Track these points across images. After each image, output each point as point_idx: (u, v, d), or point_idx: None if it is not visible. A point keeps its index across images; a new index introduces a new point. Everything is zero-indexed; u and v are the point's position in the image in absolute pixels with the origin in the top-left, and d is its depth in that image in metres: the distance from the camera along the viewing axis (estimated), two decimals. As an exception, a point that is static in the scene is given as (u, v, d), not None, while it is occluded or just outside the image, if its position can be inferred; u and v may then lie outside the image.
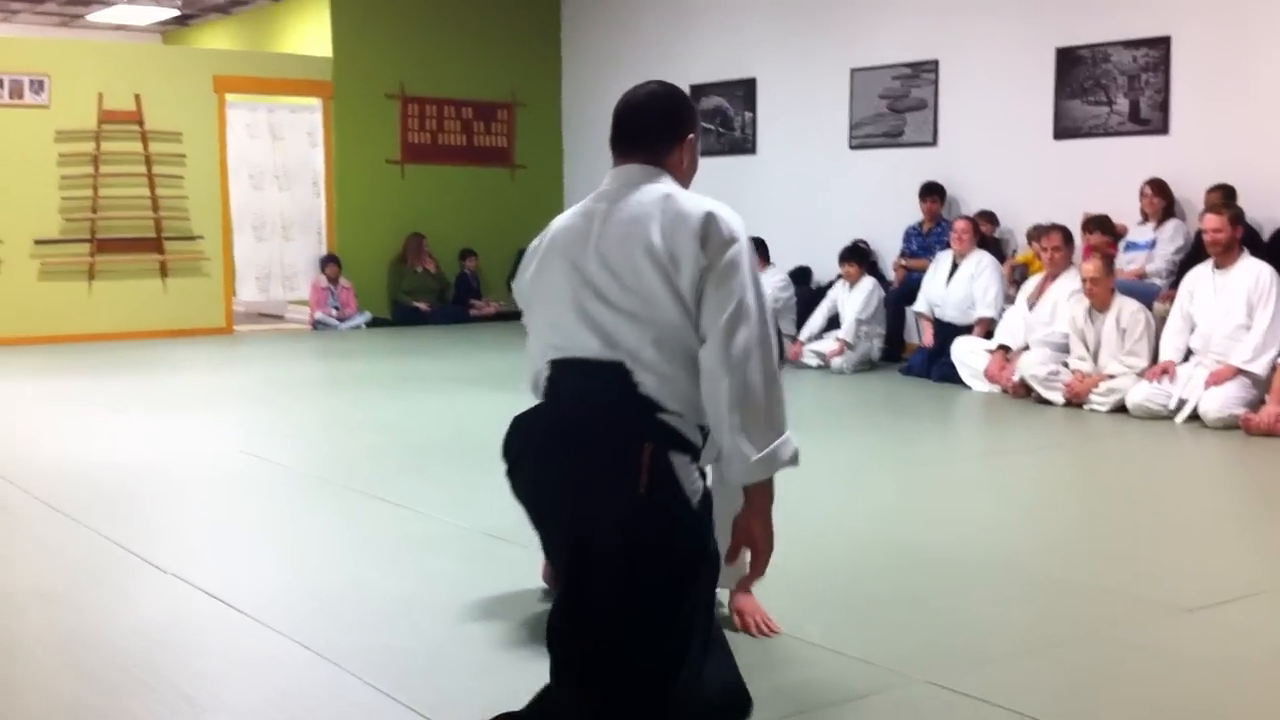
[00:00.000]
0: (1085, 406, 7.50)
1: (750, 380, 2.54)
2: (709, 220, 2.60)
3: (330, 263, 12.67)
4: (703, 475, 2.62)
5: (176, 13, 15.29)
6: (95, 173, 11.51)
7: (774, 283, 9.87)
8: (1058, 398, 7.64)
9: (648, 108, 2.81)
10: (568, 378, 2.66)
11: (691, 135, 2.83)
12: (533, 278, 2.78)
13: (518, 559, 4.16)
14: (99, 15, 15.49)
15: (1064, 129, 9.39)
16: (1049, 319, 8.04)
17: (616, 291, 2.60)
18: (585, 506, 2.55)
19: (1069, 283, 8.00)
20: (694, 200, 2.65)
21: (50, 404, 7.90)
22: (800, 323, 9.84)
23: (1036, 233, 8.73)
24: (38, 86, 11.31)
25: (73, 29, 15.86)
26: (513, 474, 2.76)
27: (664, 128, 2.79)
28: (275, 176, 13.20)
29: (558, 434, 2.63)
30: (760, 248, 9.70)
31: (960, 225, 9.04)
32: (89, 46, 12.46)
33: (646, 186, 2.70)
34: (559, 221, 2.79)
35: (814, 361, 9.45)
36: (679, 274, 2.57)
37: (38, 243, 11.30)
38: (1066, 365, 7.76)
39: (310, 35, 13.26)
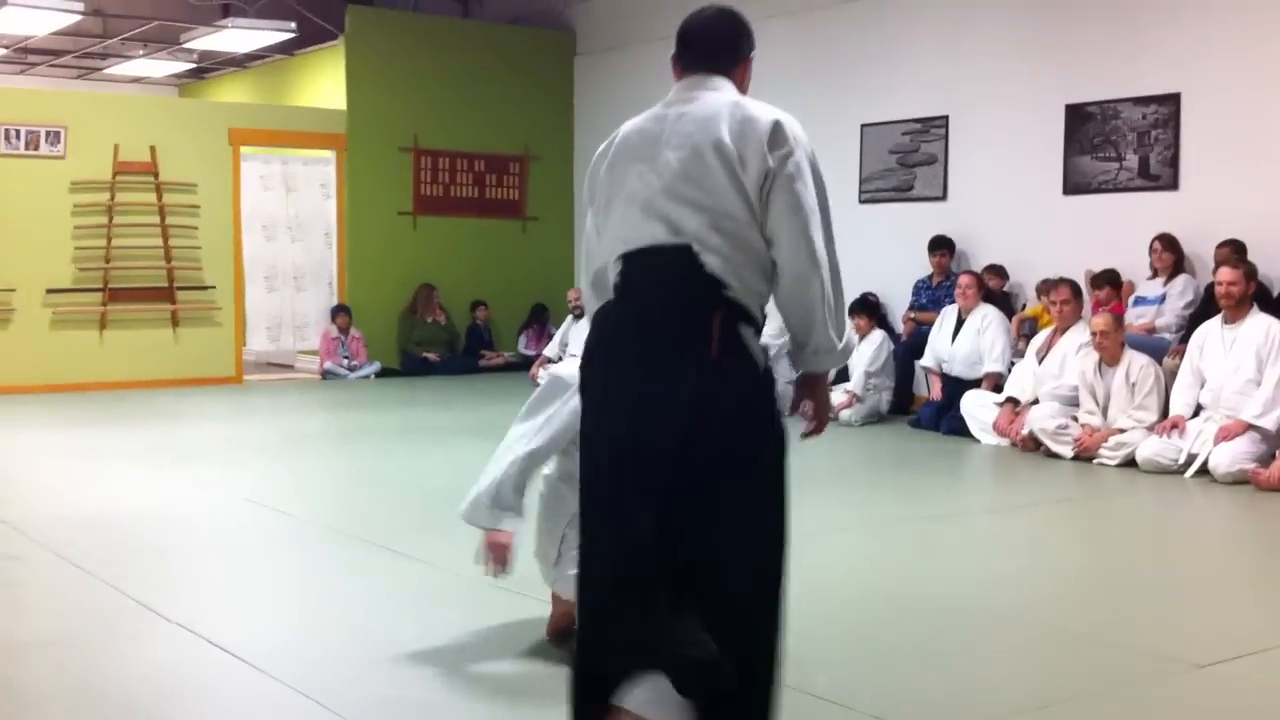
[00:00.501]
0: (1095, 460, 7.48)
1: (830, 280, 2.73)
2: (777, 126, 2.72)
3: (341, 313, 12.72)
4: (766, 352, 2.77)
5: (193, 66, 15.46)
6: (109, 223, 11.58)
7: (769, 331, 9.86)
8: (1067, 451, 7.62)
9: (716, 22, 2.96)
10: (637, 267, 2.75)
11: (751, 55, 2.97)
12: (604, 178, 2.86)
13: (522, 610, 4.15)
14: (117, 68, 15.67)
15: (1074, 184, 9.42)
16: (1058, 372, 8.04)
17: (684, 185, 2.70)
18: (657, 382, 2.63)
19: (1078, 336, 8.01)
20: (763, 107, 2.77)
21: (61, 453, 7.91)
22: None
23: (1046, 287, 8.74)
24: (54, 138, 11.42)
25: (90, 81, 16.03)
26: (585, 369, 2.82)
27: (731, 42, 2.93)
28: (288, 228, 13.29)
29: (629, 317, 2.73)
30: (868, 307, 9.77)
31: (964, 280, 9.06)
32: (106, 99, 12.59)
33: (715, 93, 2.82)
34: (629, 126, 2.90)
35: (823, 414, 9.43)
36: (745, 172, 2.68)
37: (50, 292, 11.36)
38: (1076, 419, 7.74)
39: (325, 89, 13.39)
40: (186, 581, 4.73)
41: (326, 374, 12.59)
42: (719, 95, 2.80)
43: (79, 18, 12.17)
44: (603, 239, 2.85)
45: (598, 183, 2.88)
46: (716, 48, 2.91)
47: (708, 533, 2.62)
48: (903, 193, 10.64)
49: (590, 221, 2.93)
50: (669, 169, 2.71)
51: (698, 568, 2.63)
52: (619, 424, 2.70)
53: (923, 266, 10.14)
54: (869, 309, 9.70)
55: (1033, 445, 7.87)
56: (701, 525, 2.62)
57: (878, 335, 9.53)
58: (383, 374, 12.64)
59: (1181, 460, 7.09)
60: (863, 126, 10.90)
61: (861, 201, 10.97)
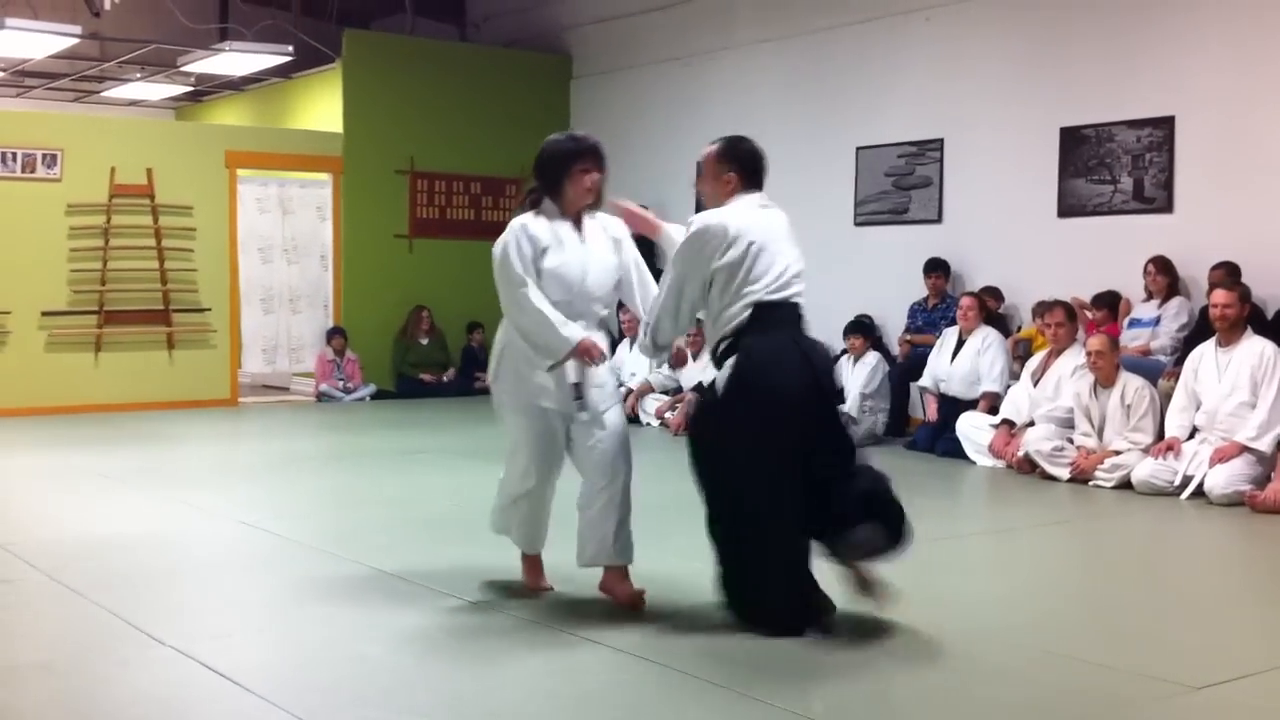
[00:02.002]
0: (1090, 483, 7.48)
1: None
2: None
3: (336, 335, 12.72)
4: None
5: (190, 89, 15.49)
6: (105, 245, 11.59)
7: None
8: (1062, 473, 7.63)
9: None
10: (798, 313, 4.50)
11: None
12: (756, 251, 4.39)
13: (515, 632, 4.14)
14: (114, 91, 15.69)
15: (1068, 207, 9.45)
16: (1053, 394, 8.04)
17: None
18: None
19: (1073, 359, 8.01)
20: None
21: (55, 476, 7.90)
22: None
23: (1041, 309, 8.76)
24: (50, 160, 11.43)
25: (87, 104, 16.05)
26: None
27: None
28: (284, 250, 13.29)
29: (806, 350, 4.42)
30: (863, 329, 9.85)
31: (966, 302, 9.07)
32: (103, 122, 12.62)
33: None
34: (751, 215, 4.52)
35: (819, 436, 9.43)
36: None
37: (45, 314, 11.35)
38: (1071, 441, 7.75)
39: (321, 112, 13.42)
40: (181, 605, 4.72)
41: (322, 396, 12.58)
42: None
43: (76, 41, 12.20)
44: (752, 288, 4.35)
45: (737, 255, 4.37)
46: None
47: None
48: (898, 215, 10.67)
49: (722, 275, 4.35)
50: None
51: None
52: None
53: (918, 289, 10.16)
54: (864, 330, 9.71)
55: (1028, 467, 7.87)
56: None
57: (872, 357, 9.54)
58: (378, 396, 12.64)
59: (1177, 482, 7.09)
60: (857, 149, 10.94)
61: (857, 224, 10.99)
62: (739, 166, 4.49)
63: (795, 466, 4.14)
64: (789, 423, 4.17)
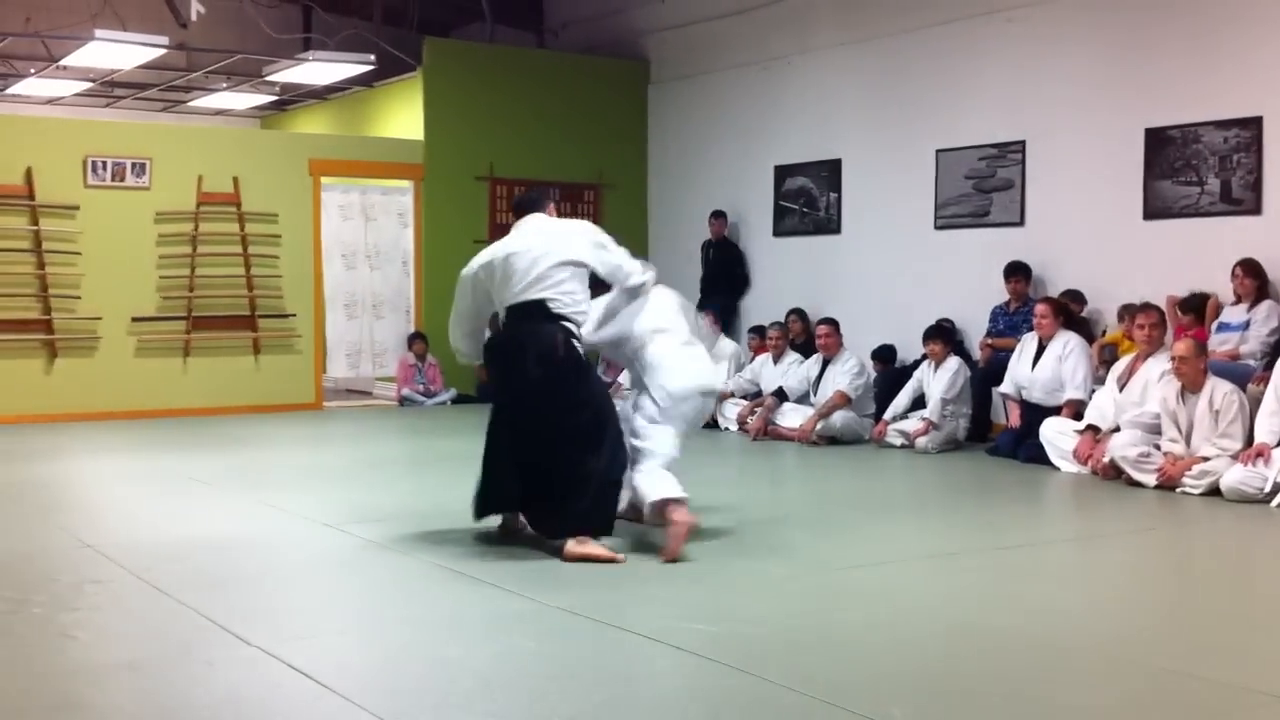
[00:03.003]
0: (1178, 489, 7.35)
1: None
2: None
3: (417, 340, 12.85)
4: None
5: (274, 98, 15.74)
6: (193, 252, 11.81)
7: (847, 369, 9.83)
8: (1149, 480, 7.50)
9: None
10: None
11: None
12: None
13: (595, 635, 4.16)
14: (200, 101, 16.00)
15: (1154, 209, 9.30)
16: (1140, 400, 7.91)
17: None
18: None
19: (1160, 363, 7.87)
20: None
21: (145, 479, 8.06)
22: (884, 402, 9.77)
23: (1128, 312, 8.63)
24: (140, 169, 11.67)
25: (175, 114, 16.37)
26: None
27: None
28: (367, 256, 13.48)
29: None
30: (943, 334, 9.73)
31: (1041, 309, 8.92)
32: (190, 131, 12.86)
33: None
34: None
35: (898, 441, 9.37)
36: None
37: (135, 320, 11.59)
38: (1158, 447, 7.62)
39: (403, 119, 13.57)
40: (266, 605, 4.79)
41: (404, 400, 12.71)
42: None
43: (164, 52, 12.44)
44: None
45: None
46: None
47: None
48: (979, 218, 10.56)
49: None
50: None
51: None
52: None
53: (999, 292, 10.05)
54: (944, 335, 9.62)
55: (1114, 474, 7.75)
56: None
57: (954, 362, 9.44)
58: (459, 400, 12.74)
59: (1267, 489, 6.94)
60: (938, 152, 10.85)
61: (937, 228, 10.90)
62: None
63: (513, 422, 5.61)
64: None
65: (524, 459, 5.54)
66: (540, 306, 5.52)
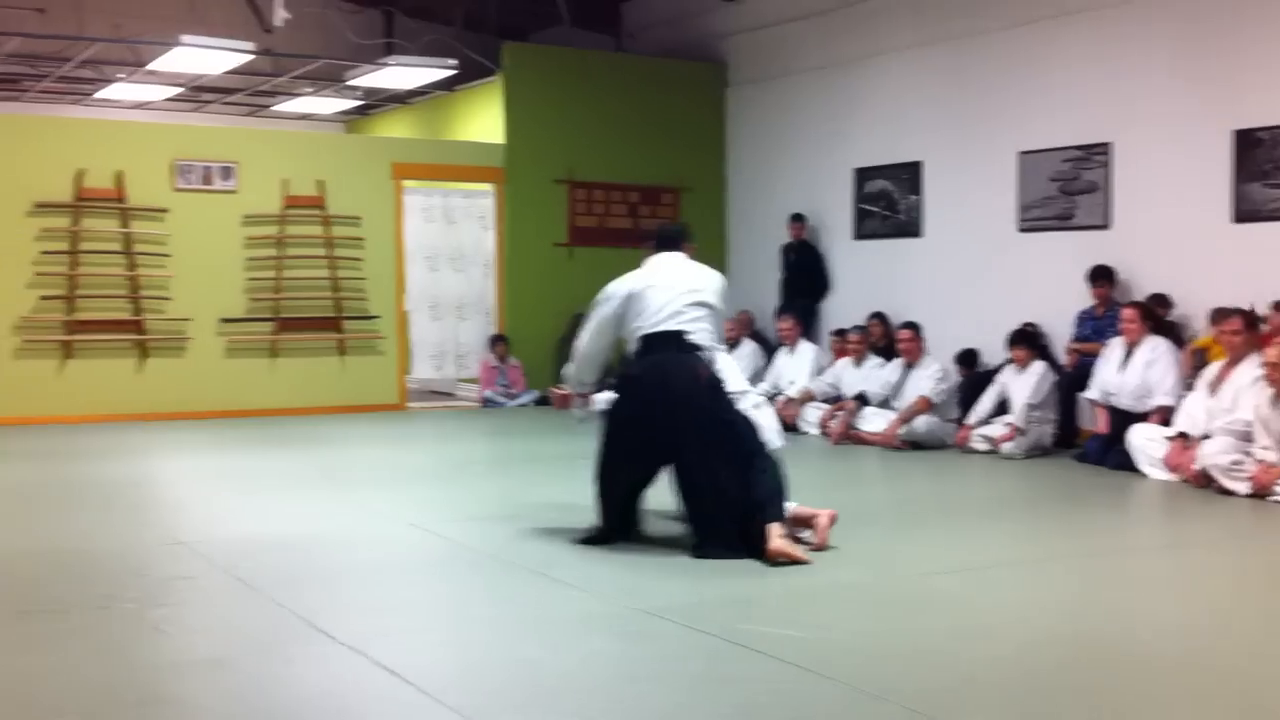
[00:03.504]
0: (1270, 498, 7.20)
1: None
2: None
3: (499, 342, 12.94)
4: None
5: (358, 103, 15.93)
6: (279, 255, 11.99)
7: (930, 374, 9.74)
8: (1241, 488, 7.35)
9: None
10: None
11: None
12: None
13: (678, 638, 4.15)
14: (285, 105, 16.23)
15: (1244, 212, 9.12)
16: (1231, 406, 7.74)
17: None
18: None
19: (1252, 369, 7.71)
20: None
21: (233, 477, 8.19)
22: (966, 407, 9.67)
23: (1218, 316, 8.46)
24: (227, 173, 11.87)
25: (260, 118, 16.62)
26: None
27: None
28: (450, 259, 13.61)
29: None
30: (1027, 339, 9.59)
31: (1127, 314, 8.77)
32: (275, 135, 13.06)
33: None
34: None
35: (983, 446, 9.27)
36: None
37: (223, 321, 11.79)
38: (1250, 454, 7.46)
39: (483, 123, 13.67)
40: (352, 603, 4.84)
41: (486, 402, 12.81)
42: None
43: (250, 57, 12.64)
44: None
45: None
46: None
47: None
48: (1064, 221, 10.43)
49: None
50: None
51: None
52: None
53: (1085, 296, 9.90)
54: (1028, 340, 9.48)
55: (1204, 481, 7.60)
56: None
57: (1039, 366, 9.31)
58: (540, 402, 12.80)
59: (1364, 498, 6.78)
60: (1020, 154, 10.72)
61: (1021, 230, 10.78)
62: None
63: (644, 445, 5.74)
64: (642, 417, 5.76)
65: (647, 481, 5.85)
66: (677, 337, 5.81)
